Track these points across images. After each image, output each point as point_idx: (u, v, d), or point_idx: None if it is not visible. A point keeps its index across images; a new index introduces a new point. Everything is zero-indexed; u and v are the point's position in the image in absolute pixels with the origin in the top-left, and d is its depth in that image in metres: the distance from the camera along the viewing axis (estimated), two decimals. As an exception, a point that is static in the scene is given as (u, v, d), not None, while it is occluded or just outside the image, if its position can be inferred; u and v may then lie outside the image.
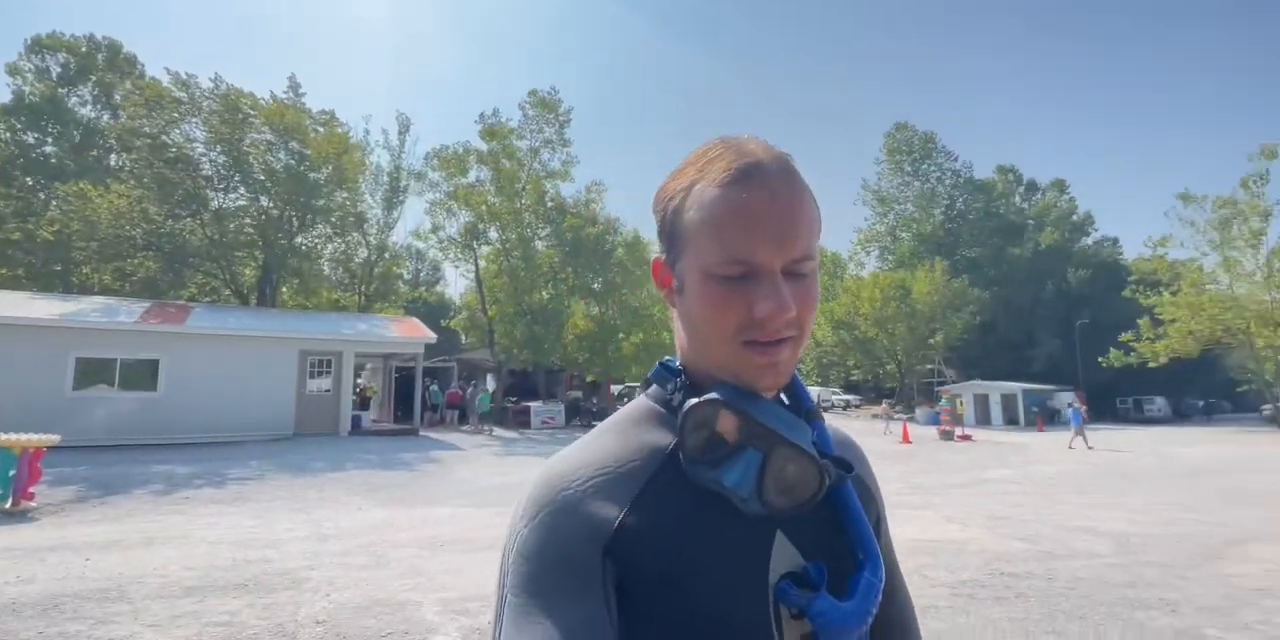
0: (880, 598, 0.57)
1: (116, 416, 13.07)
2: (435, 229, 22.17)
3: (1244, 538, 6.25)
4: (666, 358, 0.66)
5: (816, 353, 43.56)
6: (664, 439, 0.60)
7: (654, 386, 0.65)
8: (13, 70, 26.61)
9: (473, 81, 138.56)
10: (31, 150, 25.45)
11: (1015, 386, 33.81)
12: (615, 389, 27.31)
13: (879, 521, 0.68)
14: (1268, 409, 30.21)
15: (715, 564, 0.54)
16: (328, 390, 15.60)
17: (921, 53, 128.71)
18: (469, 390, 19.44)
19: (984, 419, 33.37)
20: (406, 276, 48.38)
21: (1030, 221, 43.91)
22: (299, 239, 22.25)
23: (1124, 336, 30.29)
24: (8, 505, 7.11)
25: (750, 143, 0.59)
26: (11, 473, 7.18)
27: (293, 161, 20.85)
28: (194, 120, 19.60)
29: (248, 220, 21.16)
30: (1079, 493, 9.16)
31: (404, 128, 28.92)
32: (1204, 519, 7.23)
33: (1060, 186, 46.18)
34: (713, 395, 0.55)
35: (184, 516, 7.00)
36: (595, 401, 22.62)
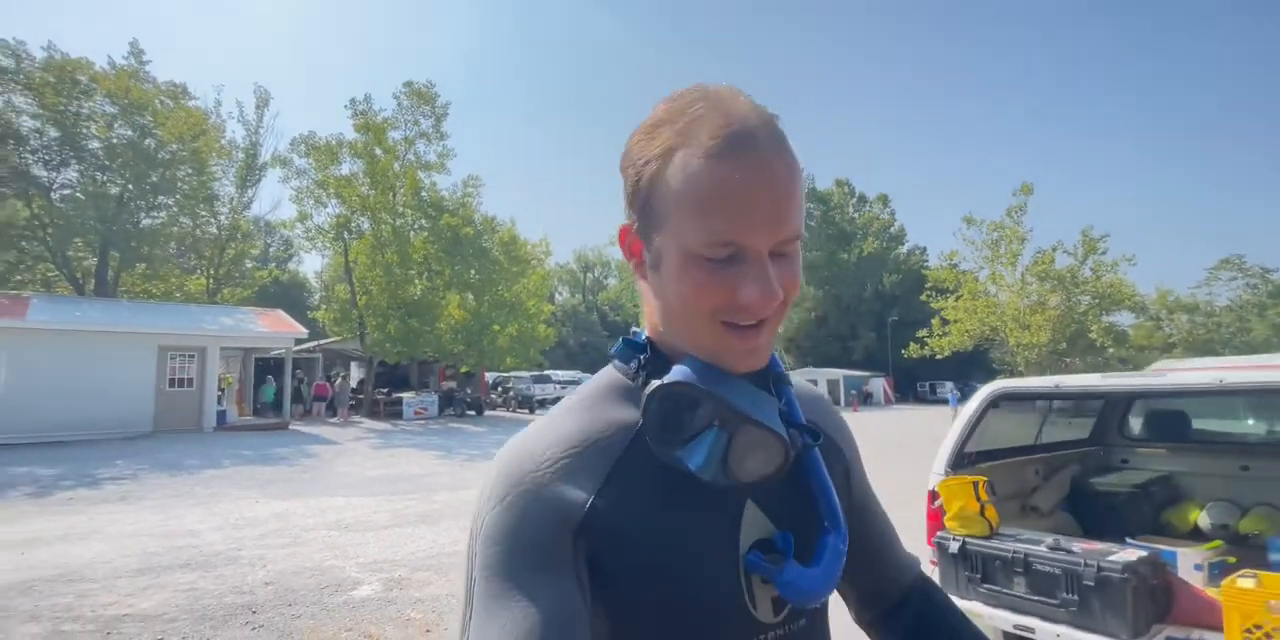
0: (844, 561, 0.58)
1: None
2: (302, 217, 21.82)
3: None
4: (634, 330, 0.65)
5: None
6: (632, 415, 0.59)
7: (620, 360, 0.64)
8: None
9: (340, 52, 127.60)
10: None
11: (838, 373, 39.58)
12: (490, 377, 28.42)
13: (848, 472, 0.72)
14: (1019, 392, 38.12)
15: (688, 538, 0.55)
16: (189, 386, 15.48)
17: (776, 68, 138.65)
18: (337, 382, 19.77)
19: (814, 401, 38.81)
20: (255, 253, 45.09)
21: (858, 231, 50.38)
22: (144, 220, 20.82)
23: (920, 333, 36.72)
24: (-123, 513, 7.31)
25: (736, 101, 0.53)
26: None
27: (136, 137, 19.49)
28: (23, 91, 17.63)
29: (81, 196, 19.47)
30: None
31: (263, 102, 27.51)
32: (916, 475, 10.38)
33: (884, 200, 53.22)
34: (676, 376, 0.54)
35: (83, 516, 7.62)
36: (469, 392, 23.68)
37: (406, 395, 21.14)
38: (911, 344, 37.06)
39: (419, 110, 23.62)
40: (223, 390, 19.57)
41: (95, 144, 19.29)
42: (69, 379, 13.46)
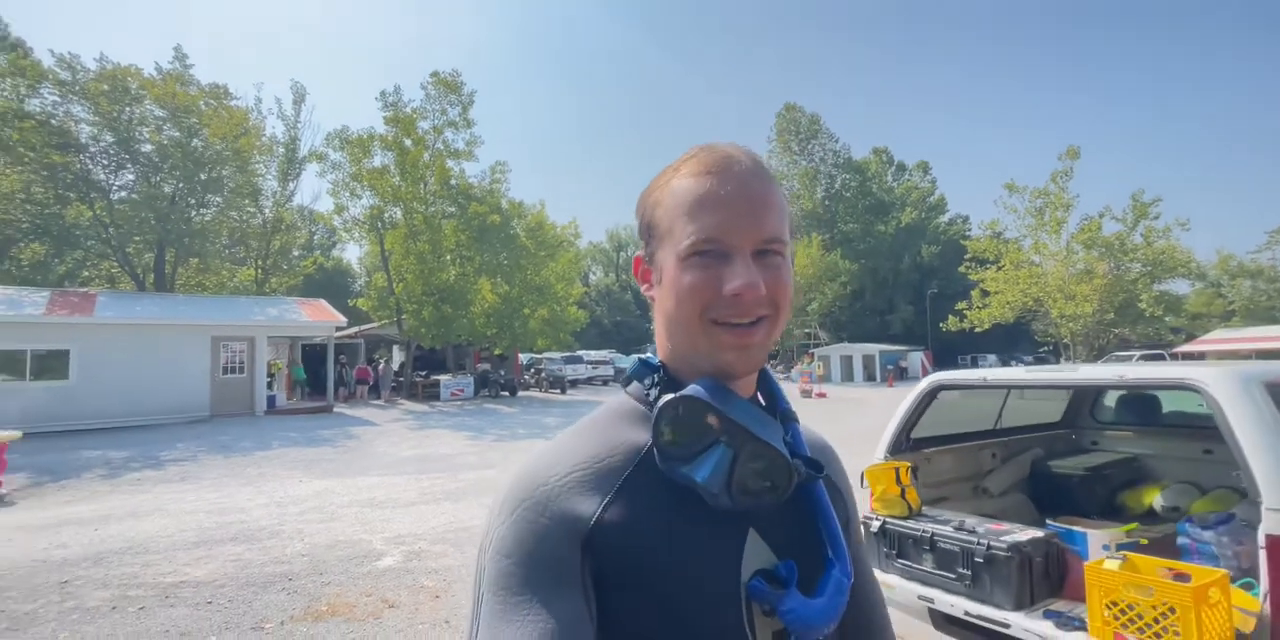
0: (848, 595, 0.59)
1: (30, 406, 13.62)
2: (339, 209, 22.71)
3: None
4: (647, 354, 0.71)
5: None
6: (641, 437, 0.61)
7: (634, 383, 0.66)
8: None
9: (366, 43, 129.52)
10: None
11: (874, 347, 39.06)
12: (523, 358, 29.29)
13: (849, 522, 0.71)
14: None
15: (690, 560, 0.56)
16: (241, 373, 16.59)
17: (807, 39, 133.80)
18: (379, 367, 20.76)
19: (848, 376, 38.50)
20: (300, 242, 47.00)
21: (896, 201, 49.03)
22: (194, 216, 22.13)
23: (960, 305, 35.84)
24: (-22, 493, 8.31)
25: (724, 145, 0.64)
26: (-21, 465, 8.36)
27: (184, 138, 20.63)
28: (80, 101, 18.88)
29: (136, 197, 20.82)
30: (855, 444, 12.40)
31: (299, 97, 28.44)
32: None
33: (924, 168, 51.49)
34: (687, 392, 0.57)
35: (148, 494, 8.48)
36: (503, 373, 24.52)
37: (444, 377, 22.05)
38: (950, 317, 36.23)
39: (446, 99, 24.01)
40: (272, 376, 20.85)
41: (148, 147, 20.55)
42: (134, 369, 14.66)
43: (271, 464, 10.55)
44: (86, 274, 23.52)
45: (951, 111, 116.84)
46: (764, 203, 0.60)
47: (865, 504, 3.40)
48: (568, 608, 0.51)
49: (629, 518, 0.56)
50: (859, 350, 38.93)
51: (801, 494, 0.62)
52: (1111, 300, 32.01)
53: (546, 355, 28.03)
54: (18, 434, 8.77)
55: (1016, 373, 3.15)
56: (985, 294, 34.68)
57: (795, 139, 50.74)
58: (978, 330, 35.04)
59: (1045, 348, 37.39)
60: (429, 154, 23.05)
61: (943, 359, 43.52)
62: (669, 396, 0.57)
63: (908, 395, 3.52)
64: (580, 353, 30.37)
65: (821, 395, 24.98)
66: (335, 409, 18.26)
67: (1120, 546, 2.94)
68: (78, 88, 18.41)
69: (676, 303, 0.60)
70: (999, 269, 34.06)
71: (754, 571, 0.58)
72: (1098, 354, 32.55)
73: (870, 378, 37.64)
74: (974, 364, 42.77)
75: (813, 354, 37.69)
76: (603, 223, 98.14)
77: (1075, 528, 3.04)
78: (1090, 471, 4.05)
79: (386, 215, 22.47)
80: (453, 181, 23.20)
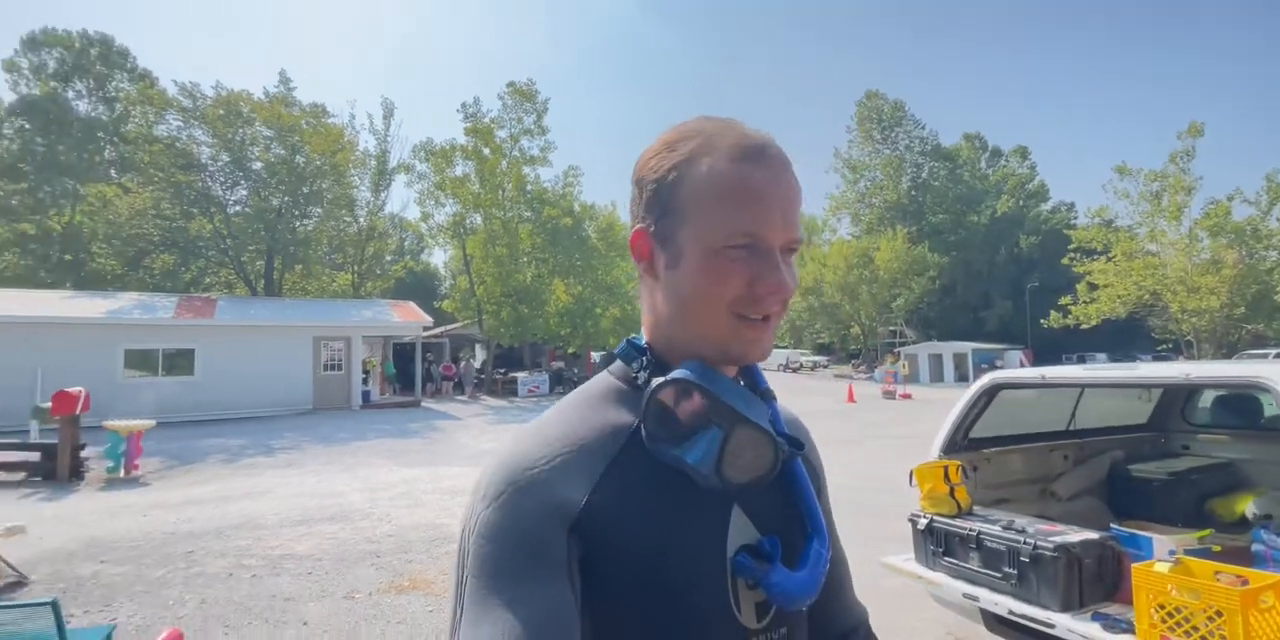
0: (827, 566, 0.61)
1: (162, 398, 15.34)
2: (425, 217, 24.13)
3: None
4: (633, 335, 0.67)
5: (789, 318, 46.39)
6: (627, 417, 0.61)
7: (617, 363, 0.66)
8: (9, 66, 27.70)
9: (448, 46, 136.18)
10: (35, 146, 26.84)
11: (966, 346, 36.87)
12: (595, 356, 29.96)
13: (820, 492, 0.73)
14: (1185, 363, 33.50)
15: (678, 539, 0.57)
16: (340, 370, 18.00)
17: (894, 23, 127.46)
18: (463, 364, 21.88)
19: (937, 376, 36.54)
20: (392, 248, 50.03)
21: (991, 189, 46.03)
22: (298, 227, 24.25)
23: (1063, 300, 33.19)
24: (121, 474, 9.47)
25: (742, 125, 0.61)
26: (122, 449, 9.56)
27: (288, 155, 22.64)
28: (200, 125, 21.25)
29: (248, 210, 23.10)
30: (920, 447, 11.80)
31: (388, 112, 30.32)
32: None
33: (1022, 153, 48.13)
34: (678, 375, 0.57)
35: (260, 478, 9.41)
36: (576, 371, 25.21)
37: (521, 375, 22.93)
38: (1053, 313, 33.61)
39: (521, 108, 24.91)
40: (367, 372, 22.39)
41: (258, 165, 22.77)
42: (248, 365, 16.27)
43: (366, 453, 11.41)
44: (208, 280, 26.33)
45: (1050, 99, 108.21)
46: (796, 202, 0.60)
47: (914, 502, 3.35)
48: (553, 592, 0.51)
49: (618, 500, 0.56)
50: (949, 348, 36.87)
51: (782, 471, 0.62)
52: (1243, 292, 28.71)
53: (619, 353, 28.51)
54: (152, 423, 9.95)
55: (1076, 371, 3.02)
56: (1093, 288, 31.91)
57: (877, 127, 48.69)
58: (1084, 327, 32.31)
59: (1165, 346, 34.01)
60: (506, 161, 24.00)
61: (1046, 358, 40.26)
62: (659, 380, 0.57)
63: (964, 394, 3.43)
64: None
65: (906, 396, 23.90)
66: (422, 404, 19.43)
67: (1189, 552, 2.77)
68: (198, 113, 20.73)
69: (700, 291, 0.59)
70: (1109, 260, 31.24)
71: (738, 547, 0.60)
72: (1227, 352, 29.25)
73: (962, 378, 35.52)
74: (1081, 363, 39.53)
75: (897, 353, 36.06)
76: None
77: (1141, 532, 2.88)
78: (1174, 476, 3.78)
79: (468, 221, 23.63)
80: (528, 187, 24.06)
